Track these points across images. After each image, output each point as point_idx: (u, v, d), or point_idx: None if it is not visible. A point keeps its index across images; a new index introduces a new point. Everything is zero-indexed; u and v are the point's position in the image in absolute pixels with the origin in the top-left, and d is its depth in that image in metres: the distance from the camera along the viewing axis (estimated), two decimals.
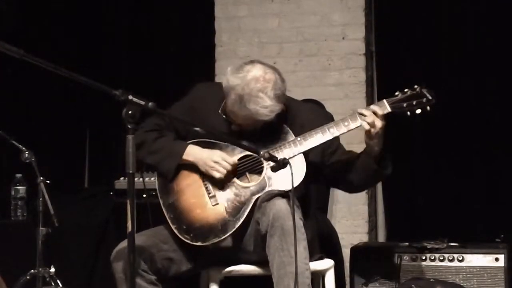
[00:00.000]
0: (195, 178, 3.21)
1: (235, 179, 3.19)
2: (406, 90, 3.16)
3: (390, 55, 4.90)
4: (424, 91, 3.13)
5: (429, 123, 4.74)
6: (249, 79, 3.10)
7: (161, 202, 3.22)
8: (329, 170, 3.27)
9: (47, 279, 3.79)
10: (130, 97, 2.47)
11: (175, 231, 3.16)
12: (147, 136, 3.22)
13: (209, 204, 3.17)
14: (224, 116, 3.20)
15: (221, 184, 3.19)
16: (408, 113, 3.13)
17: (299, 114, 3.27)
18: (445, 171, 4.75)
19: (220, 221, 3.14)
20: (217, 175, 3.16)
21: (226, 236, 3.13)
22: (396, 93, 3.17)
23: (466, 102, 4.73)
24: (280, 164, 2.97)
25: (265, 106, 3.09)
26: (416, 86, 3.15)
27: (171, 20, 5.28)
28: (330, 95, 4.87)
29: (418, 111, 3.12)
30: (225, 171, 3.15)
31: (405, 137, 4.81)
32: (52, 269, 3.80)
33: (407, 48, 4.85)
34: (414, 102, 3.12)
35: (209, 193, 3.19)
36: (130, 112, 2.47)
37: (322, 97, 4.70)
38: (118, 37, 5.37)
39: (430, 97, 3.12)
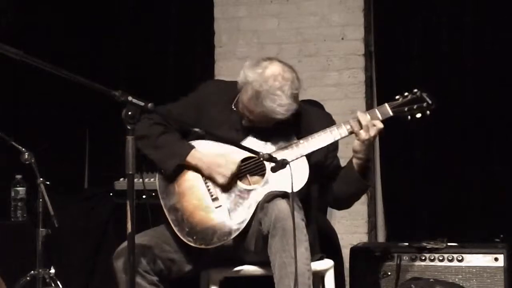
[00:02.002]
0: (197, 179, 3.19)
1: (237, 181, 3.17)
2: (406, 94, 3.18)
3: (389, 55, 4.90)
4: (424, 95, 3.16)
5: (428, 123, 4.75)
6: (267, 76, 3.07)
7: (162, 204, 3.19)
8: (328, 171, 3.27)
9: (47, 280, 3.78)
10: (130, 98, 2.47)
11: (178, 233, 3.13)
12: (153, 130, 3.19)
13: (212, 207, 3.15)
14: (235, 109, 3.18)
15: (224, 186, 3.17)
16: (409, 117, 3.17)
17: (307, 117, 3.26)
18: (445, 171, 4.75)
19: (223, 224, 3.12)
20: (221, 180, 3.14)
21: (229, 239, 3.11)
22: (397, 97, 3.18)
23: (465, 103, 4.73)
24: (279, 165, 2.97)
25: (282, 104, 3.06)
26: (416, 90, 3.17)
27: (170, 21, 5.29)
28: (330, 95, 4.87)
29: (419, 115, 3.16)
30: (229, 175, 3.13)
31: (405, 137, 4.82)
32: (52, 270, 3.79)
33: (406, 49, 4.85)
34: (415, 106, 3.15)
35: (211, 195, 3.17)
36: (129, 113, 2.46)
37: (321, 98, 4.70)
38: (118, 37, 5.37)
39: (430, 102, 3.15)
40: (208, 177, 3.18)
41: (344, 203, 3.45)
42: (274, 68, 3.11)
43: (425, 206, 4.78)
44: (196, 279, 3.40)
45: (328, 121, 3.27)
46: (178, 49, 5.28)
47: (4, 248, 4.03)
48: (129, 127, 2.47)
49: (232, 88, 3.20)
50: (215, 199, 3.17)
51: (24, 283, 3.82)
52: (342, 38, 4.95)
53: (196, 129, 3.14)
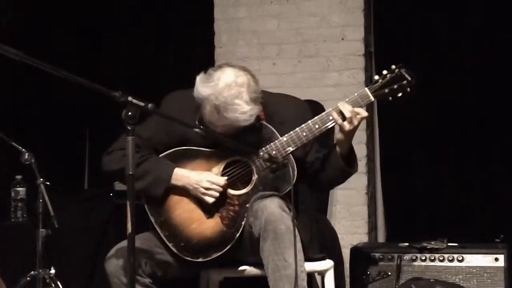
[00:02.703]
0: (184, 192, 3.13)
1: (226, 188, 3.11)
2: (385, 73, 3.13)
3: (389, 55, 4.90)
4: (403, 71, 3.11)
5: (428, 122, 4.76)
6: (221, 87, 2.98)
7: (153, 220, 3.13)
8: (309, 165, 3.21)
9: (47, 280, 3.77)
10: (130, 98, 2.47)
11: (173, 249, 3.09)
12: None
13: (203, 218, 3.11)
14: (201, 127, 3.07)
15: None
16: (390, 98, 3.11)
17: (278, 110, 3.18)
18: (445, 171, 4.75)
19: (219, 234, 3.09)
20: (210, 200, 3.09)
21: (227, 248, 3.08)
22: (376, 78, 3.14)
23: (465, 103, 4.73)
24: (280, 165, 2.96)
25: (244, 112, 2.99)
26: (394, 67, 3.13)
27: (171, 22, 5.29)
28: (329, 96, 4.87)
29: (400, 94, 3.10)
30: (217, 195, 3.08)
31: (404, 137, 4.82)
32: (52, 271, 3.78)
33: (406, 49, 4.85)
34: (395, 86, 3.10)
35: (201, 206, 3.12)
36: (129, 113, 2.46)
37: (321, 98, 4.70)
38: (118, 38, 5.37)
39: (409, 78, 3.10)
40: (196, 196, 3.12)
41: (327, 187, 3.42)
42: (226, 77, 3.00)
43: (425, 206, 4.78)
44: (196, 279, 3.40)
45: (302, 111, 3.21)
46: (178, 49, 5.28)
47: (4, 249, 4.03)
48: (129, 128, 2.47)
49: (194, 99, 3.07)
50: (205, 210, 3.12)
51: (24, 284, 3.81)
52: (342, 39, 4.95)
53: (196, 130, 3.11)
